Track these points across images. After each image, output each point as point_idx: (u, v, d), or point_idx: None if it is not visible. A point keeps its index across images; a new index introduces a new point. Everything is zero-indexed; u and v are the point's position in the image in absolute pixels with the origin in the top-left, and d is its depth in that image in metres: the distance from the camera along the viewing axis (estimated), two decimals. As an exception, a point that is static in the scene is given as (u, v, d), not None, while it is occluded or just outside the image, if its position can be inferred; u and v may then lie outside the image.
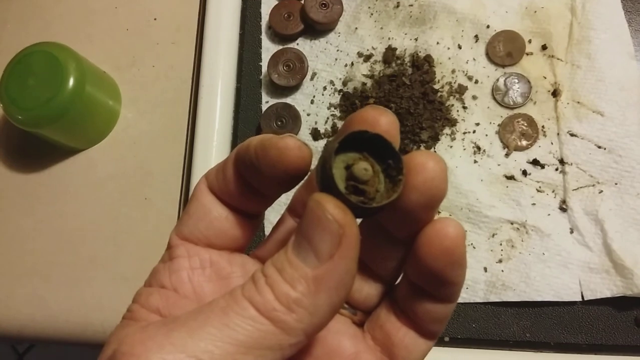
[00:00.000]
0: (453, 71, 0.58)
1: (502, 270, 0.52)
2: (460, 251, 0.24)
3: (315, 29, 0.62)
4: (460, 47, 0.59)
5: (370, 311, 0.29)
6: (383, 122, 0.24)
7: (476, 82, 0.58)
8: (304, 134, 0.59)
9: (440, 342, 0.52)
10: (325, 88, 0.60)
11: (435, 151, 0.56)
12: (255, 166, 0.25)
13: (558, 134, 0.55)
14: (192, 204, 0.28)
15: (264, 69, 0.61)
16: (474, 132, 0.56)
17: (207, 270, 0.27)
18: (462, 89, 0.58)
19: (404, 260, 0.27)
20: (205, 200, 0.28)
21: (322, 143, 0.58)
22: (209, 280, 0.27)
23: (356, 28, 0.61)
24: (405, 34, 0.60)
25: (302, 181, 0.27)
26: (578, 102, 0.55)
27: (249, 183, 0.26)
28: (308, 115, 0.60)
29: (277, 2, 0.63)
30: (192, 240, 0.27)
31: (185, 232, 0.28)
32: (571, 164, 0.54)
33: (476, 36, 0.59)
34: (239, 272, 0.28)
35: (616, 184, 0.52)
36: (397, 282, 0.28)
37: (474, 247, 0.53)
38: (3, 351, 1.58)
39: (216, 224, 0.28)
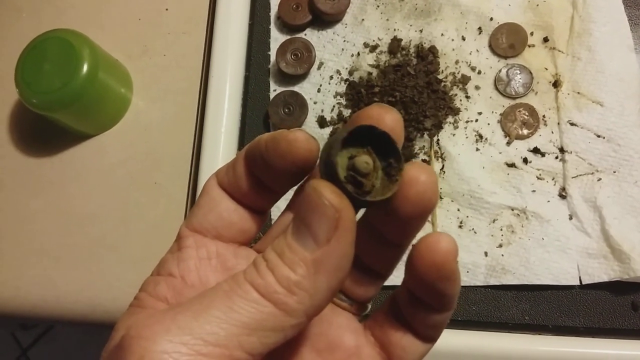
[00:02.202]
0: (457, 62, 0.60)
1: (502, 255, 0.54)
2: (450, 266, 0.24)
3: (323, 20, 0.64)
4: (464, 39, 0.61)
5: (367, 302, 0.30)
6: (388, 120, 0.25)
7: (479, 72, 0.59)
8: (311, 121, 0.61)
9: (441, 324, 0.54)
10: (331, 77, 0.62)
11: (438, 139, 0.58)
12: (265, 159, 0.26)
13: (558, 123, 0.56)
14: (202, 198, 0.29)
15: (272, 58, 0.63)
16: (477, 120, 0.58)
17: (213, 261, 0.28)
18: (465, 79, 0.59)
19: (397, 258, 0.29)
20: (214, 193, 0.28)
21: (328, 131, 0.60)
22: (215, 271, 0.28)
23: (363, 19, 0.63)
24: (411, 25, 0.62)
25: (305, 178, 0.28)
26: (578, 93, 0.56)
27: (258, 179, 0.28)
28: (315, 103, 0.61)
29: (286, -6, 0.65)
30: (201, 232, 0.28)
31: (194, 223, 0.28)
32: (571, 152, 0.55)
33: (480, 28, 0.61)
34: (244, 264, 0.28)
35: (614, 172, 0.54)
36: (398, 286, 0.28)
37: (475, 232, 0.55)
38: (7, 346, 1.58)
39: (225, 216, 0.28)
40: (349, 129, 0.23)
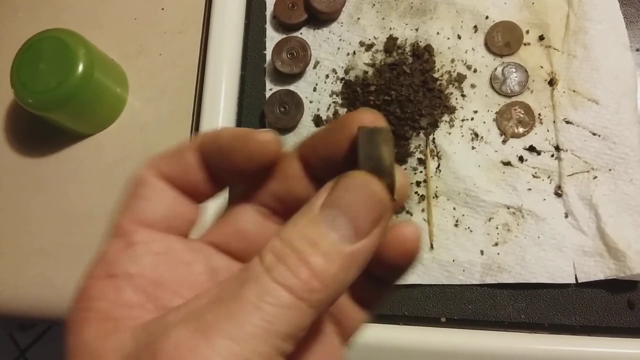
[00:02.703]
0: (452, 60, 0.60)
1: (498, 253, 0.54)
2: (418, 250, 0.26)
3: (319, 19, 0.63)
4: (459, 37, 0.61)
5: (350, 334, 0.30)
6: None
7: (475, 71, 0.59)
8: (307, 120, 0.61)
9: (437, 323, 0.54)
10: (327, 76, 0.62)
11: (434, 138, 0.58)
12: (225, 156, 0.26)
13: (554, 121, 0.56)
14: (141, 189, 0.27)
15: (268, 57, 0.63)
16: (472, 119, 0.58)
17: (169, 257, 0.26)
18: (461, 78, 0.59)
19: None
20: (156, 185, 0.27)
21: (324, 129, 0.60)
22: (174, 267, 0.26)
23: (358, 18, 0.63)
24: (406, 24, 0.62)
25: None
26: (574, 91, 0.56)
27: (211, 171, 0.27)
28: (310, 102, 0.61)
29: (281, -7, 0.65)
30: (149, 225, 0.26)
31: (140, 216, 0.26)
32: (566, 150, 0.55)
33: (475, 27, 0.61)
34: (202, 258, 0.27)
35: (610, 170, 0.54)
36: None
37: (471, 231, 0.55)
38: (6, 348, 1.58)
39: (173, 207, 0.27)
40: (387, 128, 0.24)
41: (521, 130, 0.56)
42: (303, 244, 0.21)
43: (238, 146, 0.26)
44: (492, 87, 0.58)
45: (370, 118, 0.25)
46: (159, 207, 0.27)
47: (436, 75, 0.59)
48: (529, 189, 0.55)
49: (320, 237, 0.21)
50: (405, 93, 0.57)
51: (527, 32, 0.59)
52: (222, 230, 0.29)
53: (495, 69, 0.59)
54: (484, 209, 0.55)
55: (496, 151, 0.56)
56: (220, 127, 0.60)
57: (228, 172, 0.27)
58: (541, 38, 0.59)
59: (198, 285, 0.26)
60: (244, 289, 0.21)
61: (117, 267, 0.25)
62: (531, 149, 0.56)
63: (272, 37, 0.64)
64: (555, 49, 0.58)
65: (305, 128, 0.60)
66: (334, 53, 0.62)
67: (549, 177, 0.55)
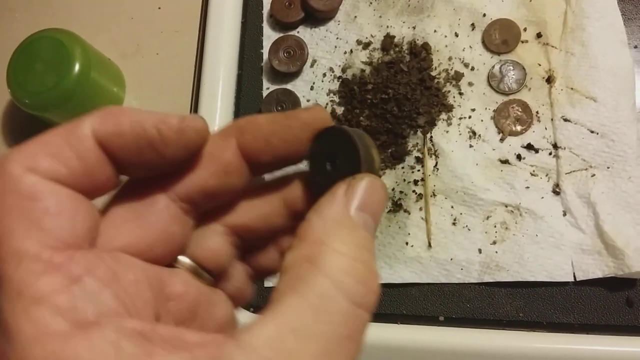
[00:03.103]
0: (450, 58, 0.60)
1: (496, 252, 0.53)
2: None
3: (316, 17, 0.63)
4: (457, 35, 0.60)
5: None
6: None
7: (472, 69, 0.59)
8: (304, 119, 0.60)
9: (435, 322, 0.54)
10: (324, 75, 0.62)
11: (431, 136, 0.57)
12: (154, 147, 0.23)
13: (552, 119, 0.56)
14: (38, 200, 0.20)
15: (265, 56, 0.63)
16: (470, 117, 0.58)
17: (119, 283, 0.21)
18: (458, 76, 0.59)
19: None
20: (60, 193, 0.21)
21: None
22: (127, 295, 0.21)
23: (355, 16, 0.63)
24: (404, 22, 0.62)
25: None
26: (572, 89, 0.56)
27: (118, 161, 0.23)
28: (308, 101, 0.61)
29: (278, -8, 0.65)
30: (75, 246, 0.21)
31: (63, 236, 0.20)
32: (564, 148, 0.55)
33: (473, 24, 0.60)
34: (138, 273, 0.23)
35: (608, 167, 0.53)
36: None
37: (469, 229, 0.55)
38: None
39: (93, 215, 0.22)
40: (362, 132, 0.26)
41: (519, 128, 0.56)
42: (365, 255, 0.22)
43: (174, 138, 0.23)
44: (490, 85, 0.58)
45: (327, 117, 0.26)
46: (78, 220, 0.21)
47: (433, 73, 0.59)
48: (527, 187, 0.55)
49: (364, 239, 0.22)
50: (403, 91, 0.57)
51: (525, 29, 0.59)
52: (139, 233, 0.24)
53: (493, 66, 0.58)
54: (481, 208, 0.55)
55: (494, 149, 0.56)
56: (217, 126, 0.60)
57: (144, 163, 0.23)
58: (539, 35, 0.59)
59: (151, 308, 0.23)
60: (328, 321, 0.20)
61: (79, 314, 0.19)
62: (529, 147, 0.56)
63: (269, 36, 0.64)
64: (553, 46, 0.58)
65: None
66: (331, 51, 0.62)
67: (547, 175, 0.55)
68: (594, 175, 0.54)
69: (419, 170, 0.57)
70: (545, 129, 0.56)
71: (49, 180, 0.21)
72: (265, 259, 0.30)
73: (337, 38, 0.63)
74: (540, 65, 0.58)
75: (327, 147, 0.26)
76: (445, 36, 0.61)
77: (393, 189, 0.57)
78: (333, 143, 0.25)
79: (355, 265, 0.21)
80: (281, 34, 0.63)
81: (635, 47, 0.58)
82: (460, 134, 0.57)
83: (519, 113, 0.57)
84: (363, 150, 0.25)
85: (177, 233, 0.25)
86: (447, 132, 0.57)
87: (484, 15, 0.60)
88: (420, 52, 0.60)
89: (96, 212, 0.23)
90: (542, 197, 0.54)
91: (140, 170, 0.24)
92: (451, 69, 0.59)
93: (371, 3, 0.63)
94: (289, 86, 0.62)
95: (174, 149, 0.23)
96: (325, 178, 0.25)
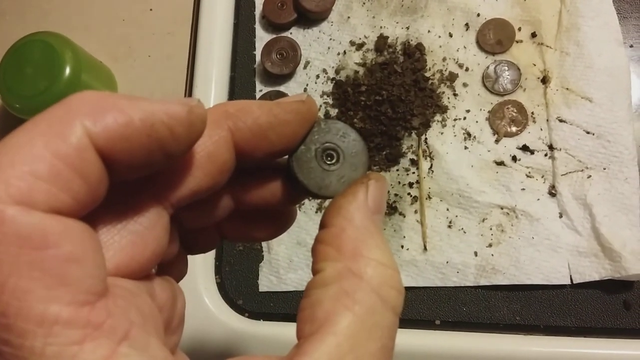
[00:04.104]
0: (444, 59, 0.59)
1: (492, 255, 0.53)
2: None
3: (309, 18, 0.63)
4: (451, 36, 0.60)
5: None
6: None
7: (467, 69, 0.58)
8: (297, 121, 0.60)
9: (431, 326, 0.53)
10: (318, 76, 0.61)
11: (426, 138, 0.57)
12: (165, 147, 0.19)
13: (547, 120, 0.55)
14: (62, 245, 0.16)
15: (258, 58, 0.62)
16: (465, 118, 0.57)
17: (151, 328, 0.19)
18: (452, 77, 0.58)
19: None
20: (73, 228, 0.17)
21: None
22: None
23: (349, 17, 0.62)
24: (397, 22, 0.61)
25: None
26: (567, 89, 0.55)
27: (112, 170, 0.19)
28: (301, 103, 0.60)
29: (271, -8, 0.64)
30: (104, 293, 0.17)
31: (93, 286, 0.17)
32: (560, 149, 0.54)
33: (467, 24, 0.60)
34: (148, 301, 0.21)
35: (604, 169, 0.53)
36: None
37: (465, 232, 0.54)
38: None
39: (100, 243, 0.19)
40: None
41: (514, 129, 0.56)
42: (393, 260, 0.22)
43: (184, 132, 0.20)
44: (485, 86, 0.57)
45: (316, 108, 0.26)
46: (100, 261, 0.18)
47: (428, 74, 0.59)
48: (523, 189, 0.54)
49: (388, 245, 0.23)
50: (397, 93, 0.57)
51: (519, 29, 0.58)
52: (132, 252, 0.20)
53: (488, 67, 0.58)
54: (477, 210, 0.54)
55: (489, 151, 0.56)
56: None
57: (148, 166, 0.20)
58: (533, 35, 0.58)
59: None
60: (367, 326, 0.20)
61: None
62: (524, 148, 0.55)
63: (262, 37, 0.63)
64: (547, 46, 0.57)
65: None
66: (324, 53, 0.62)
67: (542, 177, 0.54)
68: (590, 176, 0.53)
69: (413, 173, 0.56)
70: (541, 130, 0.55)
71: (52, 214, 0.16)
72: (203, 236, 0.29)
73: (330, 39, 0.62)
74: (535, 65, 0.57)
75: (324, 141, 0.25)
76: (439, 36, 0.60)
77: (388, 192, 0.56)
78: (337, 138, 0.25)
79: (393, 275, 0.21)
80: (274, 36, 0.63)
81: (631, 46, 0.57)
82: (455, 136, 0.57)
83: (514, 114, 0.56)
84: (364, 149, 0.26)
85: (166, 242, 0.22)
86: (442, 133, 0.57)
87: (478, 15, 0.59)
88: (414, 53, 0.59)
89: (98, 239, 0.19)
90: (538, 199, 0.54)
91: (135, 174, 0.20)
92: (445, 70, 0.59)
93: (364, 3, 0.62)
94: (282, 88, 0.61)
95: (183, 146, 0.20)
96: (322, 171, 0.25)
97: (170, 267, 0.27)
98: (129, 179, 0.20)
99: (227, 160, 0.23)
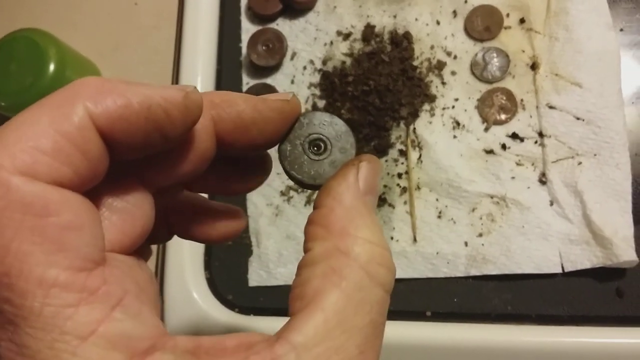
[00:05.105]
0: (432, 47, 0.58)
1: (483, 244, 0.52)
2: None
3: (295, 9, 0.62)
4: (438, 23, 0.59)
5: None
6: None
7: (455, 57, 0.58)
8: (285, 114, 0.59)
9: (422, 317, 0.53)
10: (305, 68, 0.60)
11: (414, 127, 0.56)
12: (162, 129, 0.20)
13: (537, 106, 0.55)
14: (63, 213, 0.18)
15: (244, 50, 0.61)
16: (453, 107, 0.56)
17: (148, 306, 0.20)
18: (441, 65, 0.57)
19: None
20: (73, 200, 0.18)
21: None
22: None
23: (335, 7, 0.61)
24: (384, 11, 0.60)
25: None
26: (556, 75, 0.55)
27: (111, 151, 0.20)
28: (288, 95, 0.60)
29: (256, -17, 0.63)
30: (101, 261, 0.19)
31: (90, 254, 0.18)
32: (550, 136, 0.53)
33: (454, 11, 0.59)
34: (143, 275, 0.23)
35: (595, 155, 0.52)
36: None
37: (455, 222, 0.53)
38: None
39: (99, 216, 0.20)
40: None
41: (503, 117, 0.55)
42: (384, 239, 0.22)
43: (181, 116, 0.21)
44: (473, 74, 0.57)
45: (299, 106, 0.26)
46: (98, 231, 0.19)
47: (415, 63, 0.58)
48: (513, 177, 0.53)
49: (379, 225, 0.23)
50: (384, 82, 0.56)
51: (508, 15, 0.58)
52: (123, 229, 0.21)
53: (476, 54, 0.57)
54: (467, 200, 0.54)
55: (478, 139, 0.55)
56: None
57: (144, 148, 0.21)
58: (522, 21, 0.57)
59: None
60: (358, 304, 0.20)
61: (133, 341, 0.18)
62: (514, 136, 0.54)
63: (248, 29, 0.62)
64: (536, 31, 0.56)
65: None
66: (311, 43, 0.61)
67: (532, 165, 0.54)
68: (580, 163, 0.52)
69: (402, 163, 0.56)
70: (530, 117, 0.55)
71: (54, 186, 0.18)
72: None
73: (317, 29, 0.61)
74: (524, 51, 0.56)
75: (309, 132, 0.26)
76: (427, 24, 0.59)
77: (377, 183, 0.56)
78: (318, 127, 0.26)
79: (382, 253, 0.22)
80: (259, 27, 0.62)
81: (621, 29, 0.56)
82: (443, 125, 0.56)
83: (503, 101, 0.55)
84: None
85: (152, 219, 0.23)
86: (431, 123, 0.56)
87: (466, 1, 0.58)
88: (402, 42, 0.58)
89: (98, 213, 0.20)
90: (529, 187, 0.53)
91: (134, 155, 0.21)
92: (433, 58, 0.58)
93: (351, -8, 0.62)
94: (269, 80, 0.60)
95: (179, 129, 0.21)
96: (311, 162, 0.26)
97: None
98: (129, 159, 0.21)
99: (208, 148, 0.24)
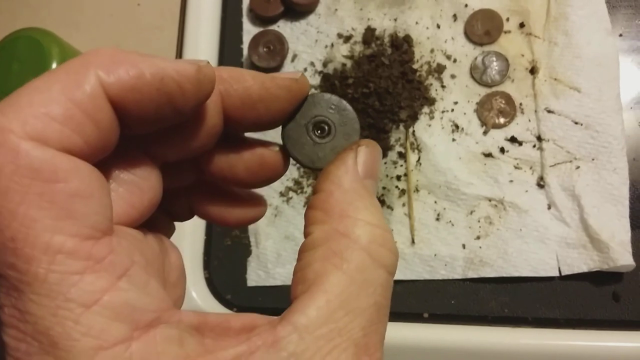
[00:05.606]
0: (432, 50, 0.59)
1: (480, 247, 0.53)
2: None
3: (296, 11, 0.62)
4: (438, 27, 0.59)
5: None
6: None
7: (455, 61, 0.58)
8: (285, 115, 0.59)
9: (420, 319, 0.53)
10: (305, 69, 0.61)
11: (414, 130, 0.56)
12: (173, 102, 0.20)
13: (535, 111, 0.55)
14: (72, 181, 0.17)
15: (245, 51, 0.62)
16: (453, 110, 0.57)
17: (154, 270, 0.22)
18: (440, 68, 0.58)
19: None
20: (83, 168, 0.18)
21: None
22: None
23: (336, 9, 0.62)
24: (385, 14, 0.61)
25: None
26: (555, 79, 0.55)
27: (123, 122, 0.20)
28: (289, 96, 0.60)
29: (258, -15, 0.64)
30: (109, 231, 0.19)
31: (98, 223, 0.18)
32: (548, 140, 0.54)
33: (454, 15, 0.59)
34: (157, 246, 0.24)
35: (593, 159, 0.52)
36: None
37: (453, 224, 0.54)
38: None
39: (108, 187, 0.20)
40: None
41: (502, 120, 0.55)
42: (384, 221, 0.22)
43: (193, 89, 0.20)
44: (473, 77, 0.57)
45: (309, 86, 0.25)
46: (107, 201, 0.19)
47: (415, 66, 0.58)
48: (511, 181, 0.54)
49: (380, 208, 0.23)
50: (384, 85, 0.56)
51: (507, 19, 0.58)
52: (131, 201, 0.22)
53: (476, 58, 0.57)
54: (465, 202, 0.54)
55: (477, 143, 0.55)
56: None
57: (155, 121, 0.21)
58: (521, 25, 0.57)
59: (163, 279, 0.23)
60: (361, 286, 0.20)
61: (136, 313, 0.18)
62: (512, 139, 0.54)
63: (249, 31, 0.63)
64: (536, 36, 0.57)
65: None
66: (312, 46, 0.61)
67: (531, 168, 0.54)
68: (578, 167, 0.52)
69: (401, 166, 0.56)
70: (529, 121, 0.55)
71: (64, 153, 0.17)
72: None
73: (318, 32, 0.62)
74: (523, 55, 0.57)
75: (315, 114, 0.26)
76: (427, 28, 0.59)
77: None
78: (326, 110, 0.26)
79: (383, 234, 0.21)
80: (261, 29, 0.62)
81: (620, 35, 0.57)
82: (442, 128, 0.56)
83: (502, 105, 0.55)
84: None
85: (160, 192, 0.23)
86: (430, 126, 0.56)
87: (466, 5, 0.59)
88: (402, 45, 0.59)
89: (107, 183, 0.20)
90: (526, 191, 0.53)
91: (145, 128, 0.21)
92: (433, 62, 0.58)
93: (352, -5, 0.62)
94: (269, 82, 0.61)
95: (191, 102, 0.21)
96: (313, 145, 0.26)
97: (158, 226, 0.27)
98: (139, 133, 0.21)
99: (215, 124, 0.23)
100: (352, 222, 0.21)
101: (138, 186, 0.22)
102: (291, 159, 0.27)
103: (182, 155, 0.24)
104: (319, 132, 0.26)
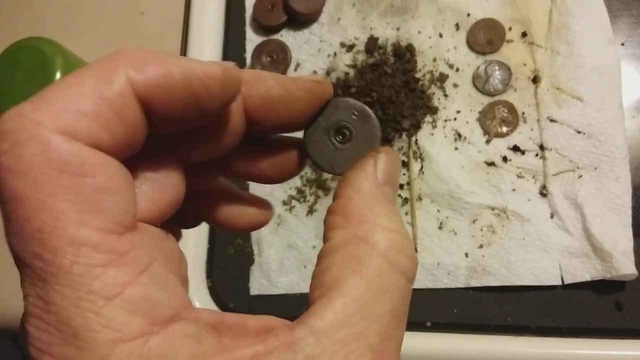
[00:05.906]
0: (434, 60, 0.59)
1: (483, 256, 0.53)
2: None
3: (299, 20, 0.62)
4: (441, 36, 0.59)
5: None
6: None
7: (457, 70, 0.58)
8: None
9: (422, 327, 0.53)
10: (308, 78, 0.61)
11: (416, 139, 0.57)
12: (199, 102, 0.20)
13: (538, 120, 0.55)
14: (99, 176, 0.18)
15: (248, 60, 0.62)
16: (455, 119, 0.57)
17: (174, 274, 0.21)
18: (443, 77, 0.58)
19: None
20: (110, 164, 0.19)
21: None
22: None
23: (339, 18, 0.62)
24: (387, 23, 0.61)
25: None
26: (558, 88, 0.55)
27: (150, 121, 0.20)
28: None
29: (261, -6, 0.64)
30: (133, 227, 0.19)
31: (122, 218, 0.19)
32: (551, 149, 0.54)
33: (457, 24, 0.59)
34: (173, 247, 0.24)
35: (595, 168, 0.53)
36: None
37: (455, 233, 0.54)
38: (8, 352, 1.58)
39: (134, 184, 0.21)
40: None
41: (505, 129, 0.55)
42: (404, 227, 0.22)
43: (219, 90, 0.21)
44: (475, 86, 0.57)
45: (331, 90, 0.25)
46: (132, 197, 0.20)
47: (418, 75, 0.58)
48: (514, 190, 0.54)
49: (399, 215, 0.23)
50: (387, 94, 0.56)
51: (510, 29, 0.58)
52: (154, 199, 0.22)
53: (478, 67, 0.57)
54: (468, 211, 0.54)
55: (480, 151, 0.55)
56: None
57: (182, 121, 0.21)
58: (524, 35, 0.58)
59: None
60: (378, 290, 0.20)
61: (156, 308, 0.18)
62: (515, 148, 0.55)
63: (252, 40, 0.63)
64: (538, 45, 0.57)
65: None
66: (315, 55, 0.61)
67: (533, 177, 0.54)
68: (581, 176, 0.53)
69: (404, 174, 0.56)
70: (532, 130, 0.55)
71: (92, 148, 0.18)
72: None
73: (321, 41, 0.62)
74: (525, 65, 0.57)
75: (337, 120, 0.26)
76: (430, 37, 0.60)
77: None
78: (345, 116, 0.26)
79: (402, 240, 0.22)
80: (264, 38, 0.63)
81: (622, 44, 0.57)
82: (445, 137, 0.56)
83: (505, 114, 0.56)
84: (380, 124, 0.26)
85: (182, 190, 0.24)
86: (432, 134, 0.57)
87: (468, 15, 0.59)
88: (405, 54, 0.59)
89: (132, 180, 0.20)
90: (529, 200, 0.53)
91: (172, 128, 0.21)
92: (436, 71, 0.58)
93: (354, 4, 0.62)
94: (272, 91, 0.61)
95: (217, 103, 0.21)
96: (334, 150, 0.26)
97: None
98: (166, 132, 0.21)
99: (237, 124, 0.24)
100: (371, 227, 0.21)
101: (162, 185, 0.22)
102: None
103: (206, 156, 0.24)
104: (340, 137, 0.26)
